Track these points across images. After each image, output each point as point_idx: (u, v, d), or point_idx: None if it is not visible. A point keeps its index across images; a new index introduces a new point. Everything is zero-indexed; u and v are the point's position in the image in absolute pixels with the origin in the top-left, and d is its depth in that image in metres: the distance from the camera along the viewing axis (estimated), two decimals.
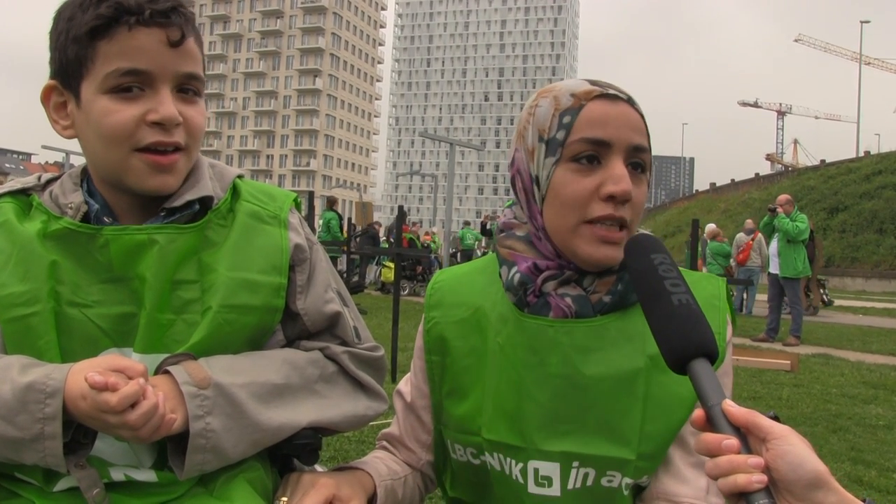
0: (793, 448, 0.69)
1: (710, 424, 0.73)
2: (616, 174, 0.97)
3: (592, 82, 1.02)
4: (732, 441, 0.69)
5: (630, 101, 1.01)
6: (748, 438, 0.71)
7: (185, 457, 0.96)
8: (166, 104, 1.00)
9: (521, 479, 1.01)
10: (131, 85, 1.00)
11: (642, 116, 1.02)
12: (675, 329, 0.78)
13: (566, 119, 0.99)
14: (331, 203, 14.28)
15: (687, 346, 0.77)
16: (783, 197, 9.07)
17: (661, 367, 0.96)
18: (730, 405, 0.72)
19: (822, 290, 14.22)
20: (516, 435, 1.01)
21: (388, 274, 14.22)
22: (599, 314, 1.02)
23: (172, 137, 1.02)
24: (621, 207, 0.98)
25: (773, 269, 9.32)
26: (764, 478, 0.67)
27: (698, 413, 0.74)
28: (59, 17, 1.02)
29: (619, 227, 0.98)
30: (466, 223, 25.21)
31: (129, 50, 0.98)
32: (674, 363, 0.78)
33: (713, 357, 0.77)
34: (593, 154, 0.98)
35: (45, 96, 1.07)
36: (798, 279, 9.13)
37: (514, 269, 1.05)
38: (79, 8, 1.00)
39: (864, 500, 0.69)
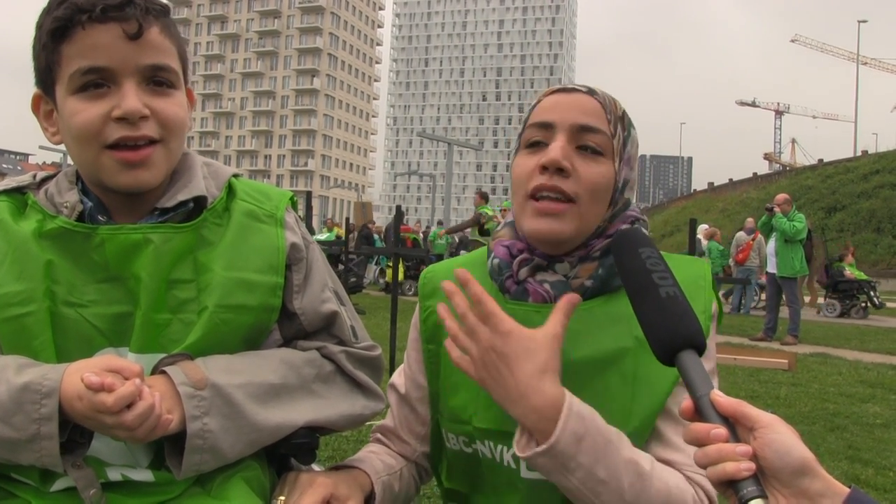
0: (779, 436, 0.70)
1: (698, 414, 0.74)
2: (550, 148, 1.00)
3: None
4: (721, 430, 0.71)
5: (591, 93, 1.04)
6: (736, 428, 0.72)
7: (182, 457, 0.96)
8: (128, 98, 0.99)
9: (513, 465, 1.02)
10: (97, 82, 1.00)
11: (603, 105, 1.03)
12: (663, 321, 0.81)
13: (527, 115, 1.08)
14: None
15: (675, 337, 0.79)
16: (781, 196, 9.08)
17: (648, 349, 0.97)
18: (718, 395, 0.73)
19: (872, 293, 13.87)
20: (508, 421, 1.00)
21: None
22: (583, 299, 1.03)
23: (140, 131, 1.01)
24: (557, 178, 1.00)
25: (771, 268, 9.33)
26: (752, 465, 0.69)
27: (687, 403, 0.75)
28: (36, 26, 1.04)
29: (561, 201, 1.00)
30: (440, 222, 23.57)
31: (86, 49, 0.98)
32: (662, 354, 0.80)
33: (700, 349, 0.79)
34: (540, 139, 1.03)
35: (35, 106, 1.08)
36: (795, 278, 9.14)
37: (492, 255, 1.09)
38: (46, 14, 1.01)
39: (850, 487, 0.70)
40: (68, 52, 0.99)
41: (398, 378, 1.23)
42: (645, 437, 1.00)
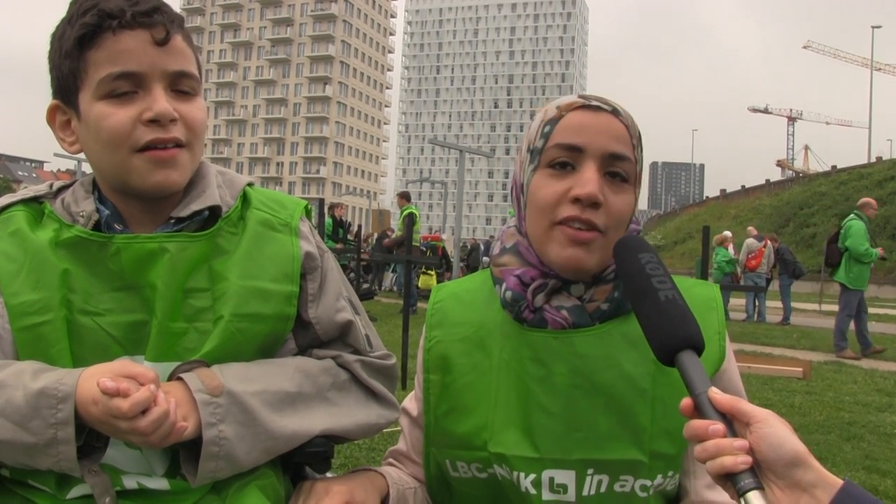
0: (774, 430, 0.74)
1: (697, 412, 0.78)
2: (584, 178, 0.98)
3: (582, 96, 1.04)
4: (718, 426, 0.75)
5: (615, 113, 1.01)
6: (733, 423, 0.76)
7: (197, 464, 0.96)
8: (159, 101, 1.01)
9: (532, 490, 1.01)
10: (125, 89, 1.01)
11: (629, 128, 1.02)
12: (663, 323, 0.84)
13: (546, 128, 1.03)
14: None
15: (674, 338, 0.82)
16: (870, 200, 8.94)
17: (666, 370, 0.96)
18: (715, 392, 0.77)
19: None
20: (529, 446, 1.01)
21: (428, 281, 14.15)
22: (599, 322, 1.03)
23: (170, 133, 1.02)
24: (590, 211, 0.98)
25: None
26: (749, 459, 0.72)
27: (686, 402, 0.78)
28: (53, 37, 1.05)
29: (589, 230, 0.99)
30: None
31: (115, 54, 1.00)
32: (662, 355, 0.83)
33: (699, 349, 0.82)
34: (567, 160, 1.00)
35: (51, 117, 1.09)
36: None
37: (504, 287, 1.06)
38: (67, 24, 1.02)
39: (844, 480, 0.73)
40: (96, 58, 1.00)
41: (409, 402, 1.22)
42: (674, 463, 1.01)
